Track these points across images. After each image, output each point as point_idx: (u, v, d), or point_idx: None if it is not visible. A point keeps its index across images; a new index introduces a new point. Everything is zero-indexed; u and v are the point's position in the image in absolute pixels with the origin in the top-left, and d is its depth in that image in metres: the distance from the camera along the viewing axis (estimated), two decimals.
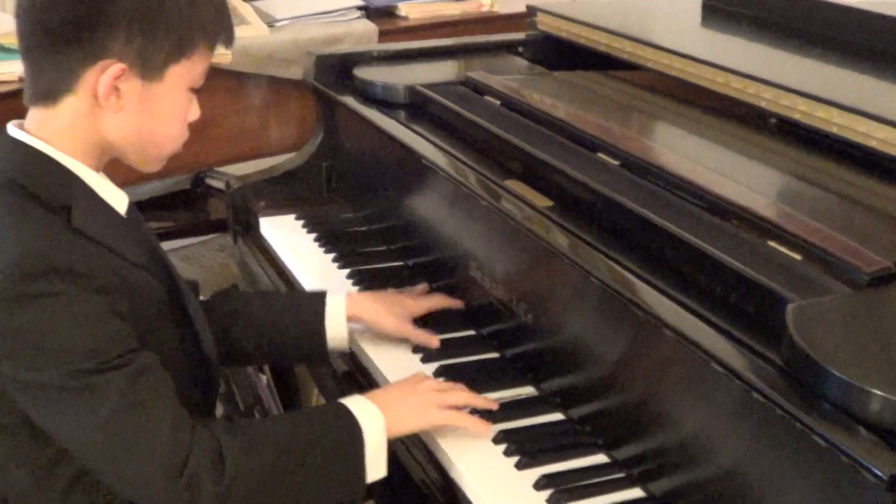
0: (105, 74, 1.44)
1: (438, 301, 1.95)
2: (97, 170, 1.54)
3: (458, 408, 1.63)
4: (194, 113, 1.59)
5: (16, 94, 2.27)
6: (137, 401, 1.41)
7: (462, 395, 1.64)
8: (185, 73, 1.51)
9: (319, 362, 1.98)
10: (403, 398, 1.62)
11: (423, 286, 2.02)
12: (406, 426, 1.60)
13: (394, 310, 1.88)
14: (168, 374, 1.48)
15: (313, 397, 2.76)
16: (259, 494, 1.45)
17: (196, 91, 1.56)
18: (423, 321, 1.93)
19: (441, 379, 1.74)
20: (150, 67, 1.47)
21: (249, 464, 1.45)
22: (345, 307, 1.86)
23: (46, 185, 1.46)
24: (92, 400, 1.39)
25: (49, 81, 1.47)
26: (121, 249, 1.49)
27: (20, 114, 1.54)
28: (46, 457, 1.49)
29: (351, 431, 1.53)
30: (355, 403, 1.57)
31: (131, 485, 1.43)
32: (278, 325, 1.86)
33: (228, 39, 1.58)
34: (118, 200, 1.56)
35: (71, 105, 1.47)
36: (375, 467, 1.54)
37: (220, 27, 1.54)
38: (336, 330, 1.85)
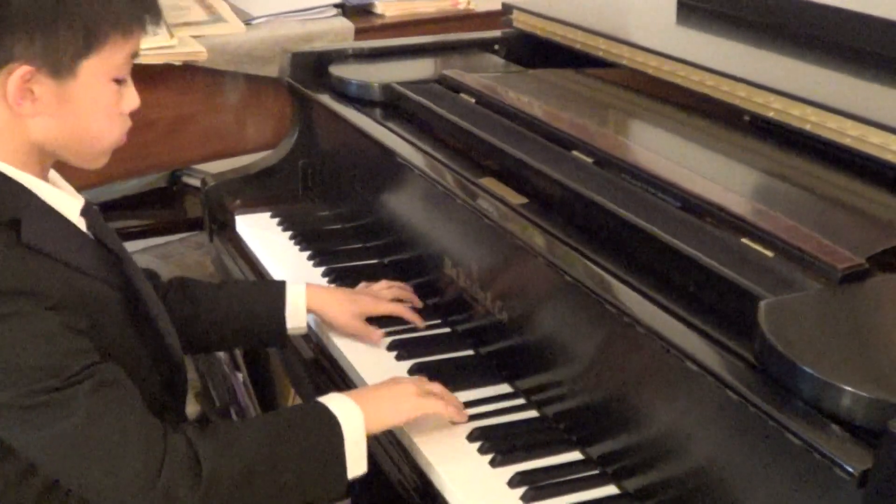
0: (11, 79, 1.40)
1: (398, 309, 1.95)
2: (43, 177, 1.51)
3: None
4: (130, 102, 1.53)
5: None
6: (103, 413, 1.39)
7: (438, 403, 1.62)
8: (100, 66, 1.45)
9: (279, 347, 2.00)
10: (381, 394, 1.62)
11: (385, 283, 2.01)
12: (385, 420, 1.59)
13: (349, 308, 1.90)
14: (134, 381, 1.46)
15: (290, 395, 2.76)
16: (239, 497, 1.44)
17: (119, 81, 1.49)
18: (402, 321, 1.94)
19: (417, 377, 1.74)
20: (59, 66, 1.42)
21: (226, 466, 1.43)
22: (305, 298, 1.89)
23: None
24: (57, 416, 1.37)
25: None
26: (74, 261, 1.46)
27: None
28: (15, 470, 1.46)
29: (329, 428, 1.51)
30: (333, 400, 1.56)
31: (105, 498, 1.42)
32: (240, 315, 1.87)
33: (154, 20, 1.52)
34: (70, 207, 1.52)
35: None
36: (356, 463, 1.53)
37: (135, 15, 1.48)
38: (296, 319, 1.89)
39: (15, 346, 1.36)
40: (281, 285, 1.90)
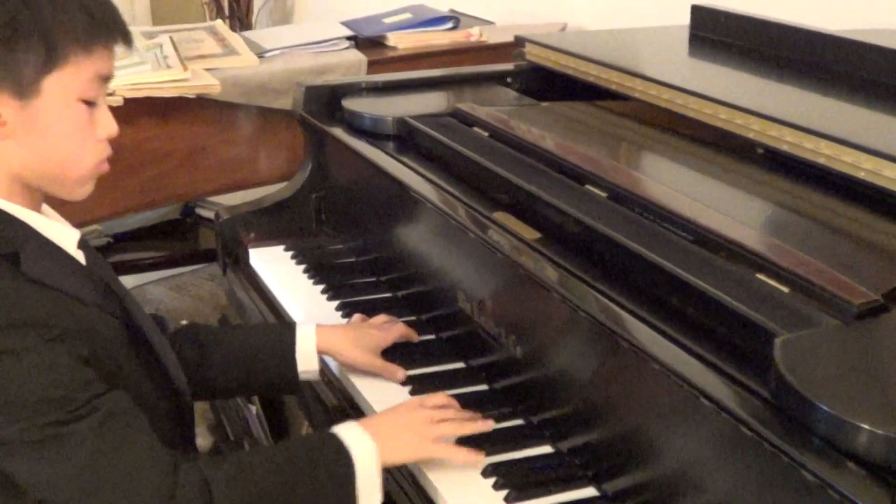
0: None
1: (402, 331, 1.95)
2: (36, 209, 1.51)
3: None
4: (107, 127, 1.52)
5: None
6: (113, 443, 1.39)
7: (454, 425, 1.63)
8: (65, 84, 1.44)
9: (291, 393, 1.97)
10: (397, 428, 1.61)
11: (383, 316, 2.01)
12: (399, 456, 1.58)
13: (362, 343, 1.88)
14: (141, 411, 1.46)
15: (303, 428, 2.75)
16: None
17: (89, 103, 1.48)
18: (415, 354, 1.93)
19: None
20: (20, 84, 1.41)
21: (237, 495, 1.43)
22: (315, 340, 1.86)
23: None
24: (66, 449, 1.37)
25: None
26: (74, 291, 1.46)
27: None
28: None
29: (340, 459, 1.51)
30: (346, 431, 1.56)
31: None
32: (249, 358, 1.85)
33: (122, 39, 1.50)
34: (67, 238, 1.52)
35: None
36: (369, 495, 1.52)
37: (97, 31, 1.46)
38: (307, 362, 1.86)
39: (21, 379, 1.36)
40: (290, 327, 1.88)
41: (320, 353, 1.87)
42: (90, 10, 1.45)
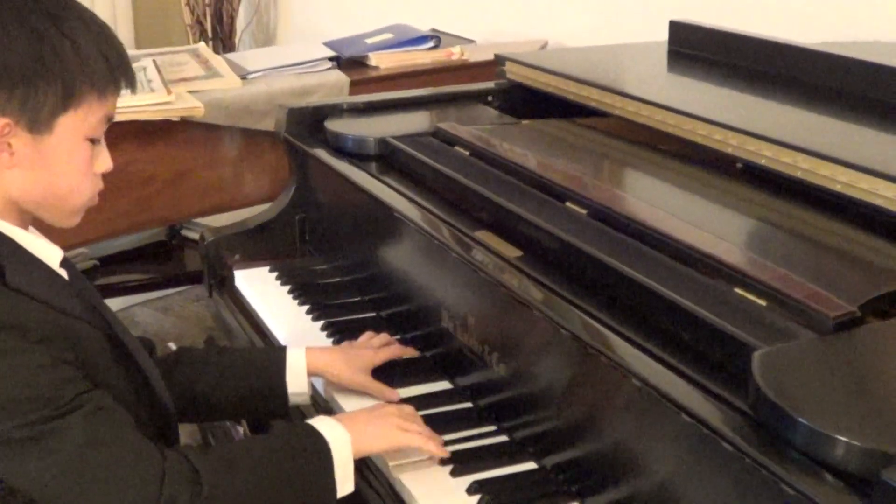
0: None
1: (395, 350, 1.97)
2: (23, 227, 1.54)
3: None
4: (104, 163, 1.58)
5: None
6: (100, 437, 1.42)
7: (421, 428, 1.68)
8: (76, 124, 1.50)
9: (281, 417, 1.96)
10: (368, 420, 1.66)
11: (369, 334, 2.02)
12: (371, 445, 1.63)
13: (353, 363, 1.89)
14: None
15: None
16: None
17: (93, 141, 1.54)
18: (398, 373, 1.94)
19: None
20: (36, 120, 1.47)
21: (226, 481, 1.47)
22: (305, 363, 1.87)
23: None
24: (54, 445, 1.40)
25: None
26: (58, 303, 1.49)
27: None
28: None
29: (320, 449, 1.56)
30: (321, 423, 1.61)
31: None
32: (240, 382, 1.86)
33: (129, 86, 1.57)
34: (51, 255, 1.55)
35: None
36: (344, 483, 1.58)
37: (112, 78, 1.53)
38: (297, 385, 1.87)
39: (9, 379, 1.39)
40: (281, 350, 1.90)
41: (311, 375, 1.88)
42: (108, 57, 1.52)
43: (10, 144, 1.47)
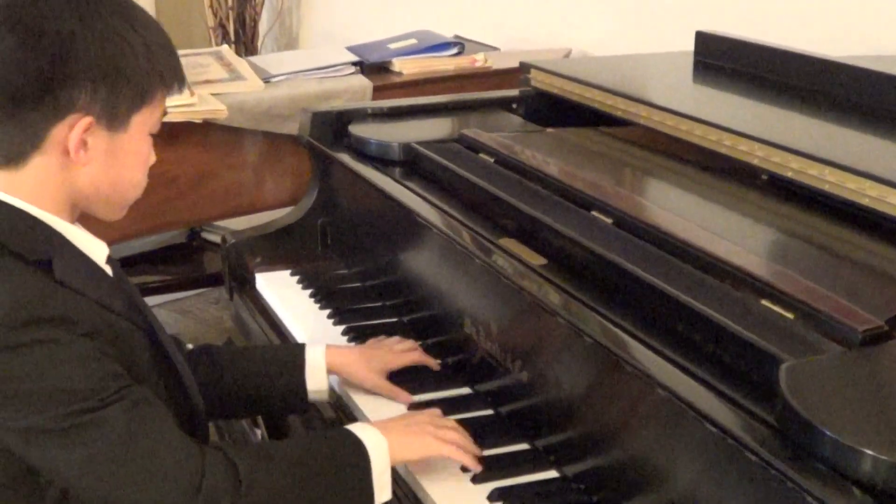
0: (74, 130, 1.46)
1: (416, 357, 1.98)
2: (72, 222, 1.55)
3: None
4: (153, 157, 1.61)
5: None
6: (142, 430, 1.43)
7: (455, 434, 1.66)
8: (146, 120, 1.54)
9: (301, 414, 1.99)
10: (406, 427, 1.66)
11: (397, 339, 2.03)
12: (408, 453, 1.63)
13: (371, 364, 1.91)
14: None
15: None
16: None
17: (153, 136, 1.58)
18: (420, 379, 1.94)
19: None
20: (115, 118, 1.49)
21: (264, 477, 1.48)
22: (324, 360, 1.89)
23: (26, 241, 1.47)
24: (97, 436, 1.40)
25: (14, 144, 1.48)
26: (103, 299, 1.50)
27: None
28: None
29: (358, 453, 1.56)
30: (359, 428, 1.61)
31: None
32: (260, 379, 1.88)
33: (181, 84, 1.61)
34: (97, 251, 1.57)
35: (39, 164, 1.48)
36: (381, 490, 1.57)
37: (176, 73, 1.57)
38: (316, 381, 1.88)
39: (51, 370, 1.39)
40: (300, 347, 1.92)
41: (329, 372, 1.89)
42: (171, 54, 1.57)
43: (85, 142, 1.48)
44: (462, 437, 1.67)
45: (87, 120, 1.46)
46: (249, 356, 1.92)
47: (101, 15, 1.47)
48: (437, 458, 1.64)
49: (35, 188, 1.50)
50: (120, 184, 1.55)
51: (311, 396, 1.89)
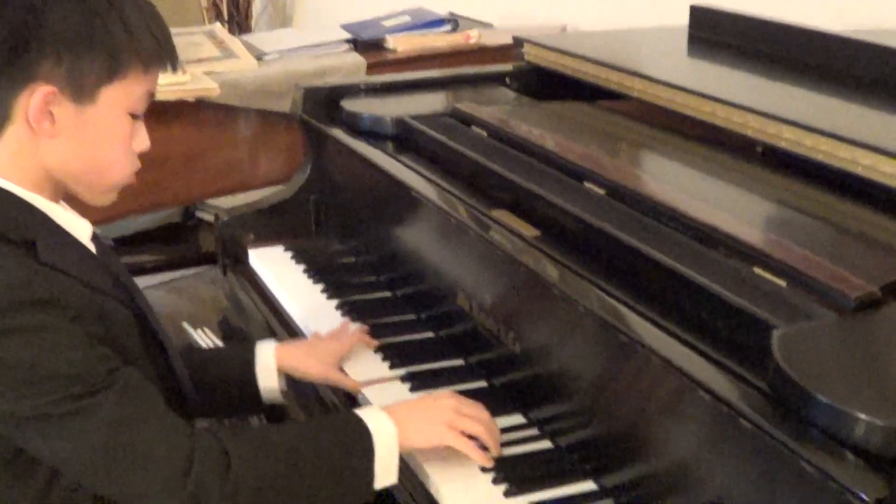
0: (34, 98, 1.43)
1: (358, 336, 1.97)
2: (55, 201, 1.53)
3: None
4: (141, 142, 1.56)
5: None
6: (132, 415, 1.41)
7: (477, 427, 1.62)
8: (120, 96, 1.49)
9: (255, 413, 1.98)
10: (419, 412, 1.63)
11: (341, 325, 2.04)
12: (418, 440, 1.60)
13: (320, 357, 1.90)
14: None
15: None
16: (266, 495, 1.46)
17: (134, 116, 1.53)
18: (414, 351, 1.94)
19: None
20: (81, 89, 1.45)
21: (255, 463, 1.46)
22: (275, 359, 1.87)
23: (8, 221, 1.45)
24: (87, 421, 1.39)
25: None
26: (89, 279, 1.48)
27: None
28: (34, 488, 1.47)
29: (360, 437, 1.54)
30: (368, 413, 1.59)
31: (138, 498, 1.44)
32: (211, 380, 1.84)
33: (172, 64, 1.57)
34: (81, 229, 1.55)
35: (11, 135, 1.47)
36: (385, 474, 1.55)
37: (158, 52, 1.52)
38: (268, 380, 1.87)
39: (40, 356, 1.38)
40: (250, 347, 1.90)
41: (281, 371, 1.88)
42: (156, 34, 1.52)
43: (52, 113, 1.46)
44: (484, 429, 1.62)
45: (48, 89, 1.43)
46: (199, 358, 1.90)
47: None
48: (448, 446, 1.60)
49: (10, 161, 1.48)
50: (93, 163, 1.52)
51: (265, 396, 1.87)
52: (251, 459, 1.46)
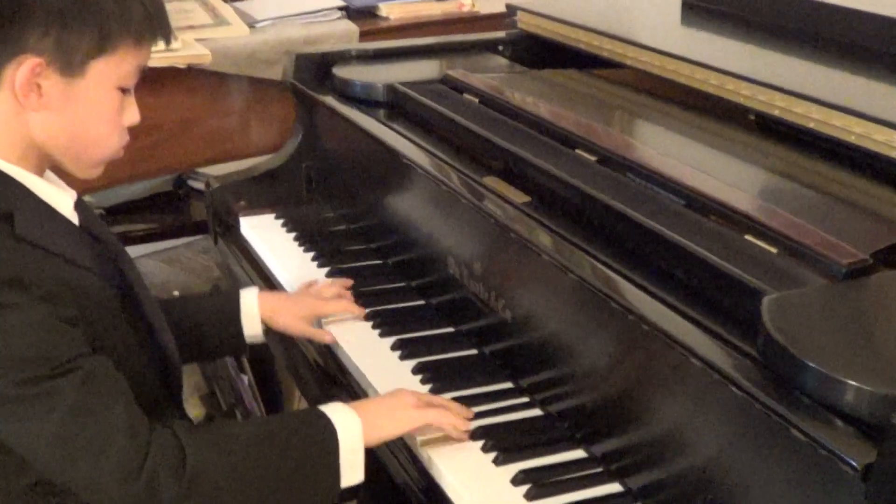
0: (20, 69, 1.42)
1: (340, 306, 1.97)
2: (39, 174, 1.52)
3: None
4: (131, 116, 1.55)
5: None
6: (90, 405, 1.39)
7: (440, 412, 1.61)
8: (109, 70, 1.47)
9: (239, 354, 2.06)
10: (382, 405, 1.62)
11: (329, 282, 2.06)
12: (384, 432, 1.59)
13: (298, 311, 1.93)
14: (126, 374, 1.46)
15: (295, 398, 2.76)
16: (224, 493, 1.44)
17: (124, 91, 1.52)
18: (405, 319, 1.94)
19: (420, 378, 1.76)
20: (69, 62, 1.44)
21: (213, 461, 1.43)
22: (258, 305, 1.90)
23: None
24: (45, 407, 1.37)
25: None
26: (67, 253, 1.47)
27: None
28: (10, 464, 1.46)
29: (324, 434, 1.52)
30: (332, 409, 1.57)
31: (90, 488, 1.42)
32: (198, 327, 1.88)
33: (164, 38, 1.55)
34: (62, 202, 1.53)
35: None
36: (351, 472, 1.53)
37: (149, 26, 1.50)
38: (252, 326, 1.91)
39: (8, 335, 1.36)
40: (235, 294, 1.92)
41: (261, 320, 1.91)
42: (147, 6, 1.50)
43: (39, 86, 1.44)
44: (447, 413, 1.62)
45: (35, 61, 1.42)
46: (186, 305, 1.92)
47: None
48: (419, 427, 1.60)
49: None
50: (80, 136, 1.51)
51: (248, 340, 1.91)
52: (209, 456, 1.43)
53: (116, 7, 1.45)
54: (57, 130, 1.48)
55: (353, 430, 1.54)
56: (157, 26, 1.53)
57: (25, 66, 1.42)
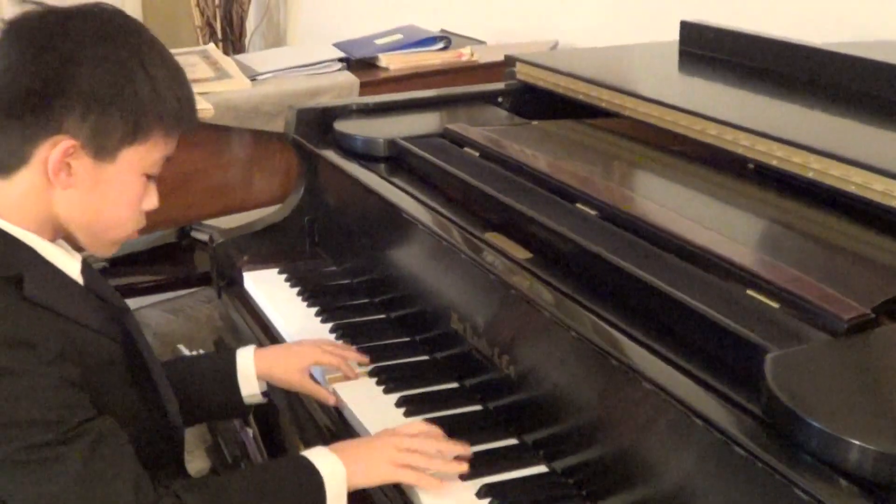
0: (55, 150, 1.45)
1: (347, 355, 1.97)
2: (51, 241, 1.54)
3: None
4: (151, 201, 1.59)
5: None
6: (98, 469, 1.41)
7: (423, 458, 1.63)
8: (138, 158, 1.51)
9: (242, 417, 2.04)
10: (366, 452, 1.64)
11: (327, 341, 2.05)
12: (367, 479, 1.62)
13: (296, 363, 1.93)
14: (128, 434, 1.47)
15: (300, 449, 2.75)
16: None
17: (150, 177, 1.56)
18: (408, 375, 1.93)
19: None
20: (102, 147, 1.48)
21: None
22: (254, 365, 1.91)
23: None
24: (53, 472, 1.38)
25: (3, 153, 1.48)
26: (76, 315, 1.49)
27: None
28: None
29: (311, 481, 1.56)
30: (317, 455, 1.60)
31: None
32: (198, 390, 1.88)
33: (190, 130, 1.59)
34: (70, 265, 1.56)
35: (24, 178, 1.48)
36: None
37: (181, 119, 1.54)
38: (250, 387, 1.91)
39: (13, 400, 1.38)
40: (231, 354, 1.93)
41: (260, 376, 1.92)
42: (181, 100, 1.54)
43: (70, 165, 1.47)
44: (427, 460, 1.63)
45: (70, 143, 1.45)
46: (185, 367, 1.93)
47: (114, 45, 1.47)
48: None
49: (18, 201, 1.49)
50: (101, 217, 1.54)
51: (247, 400, 1.92)
52: None
53: (153, 100, 1.49)
54: (80, 209, 1.52)
55: (338, 479, 1.58)
56: (188, 120, 1.57)
57: (60, 147, 1.45)
